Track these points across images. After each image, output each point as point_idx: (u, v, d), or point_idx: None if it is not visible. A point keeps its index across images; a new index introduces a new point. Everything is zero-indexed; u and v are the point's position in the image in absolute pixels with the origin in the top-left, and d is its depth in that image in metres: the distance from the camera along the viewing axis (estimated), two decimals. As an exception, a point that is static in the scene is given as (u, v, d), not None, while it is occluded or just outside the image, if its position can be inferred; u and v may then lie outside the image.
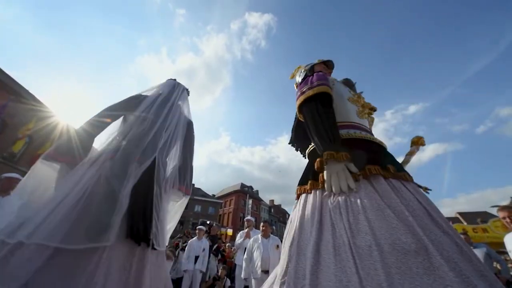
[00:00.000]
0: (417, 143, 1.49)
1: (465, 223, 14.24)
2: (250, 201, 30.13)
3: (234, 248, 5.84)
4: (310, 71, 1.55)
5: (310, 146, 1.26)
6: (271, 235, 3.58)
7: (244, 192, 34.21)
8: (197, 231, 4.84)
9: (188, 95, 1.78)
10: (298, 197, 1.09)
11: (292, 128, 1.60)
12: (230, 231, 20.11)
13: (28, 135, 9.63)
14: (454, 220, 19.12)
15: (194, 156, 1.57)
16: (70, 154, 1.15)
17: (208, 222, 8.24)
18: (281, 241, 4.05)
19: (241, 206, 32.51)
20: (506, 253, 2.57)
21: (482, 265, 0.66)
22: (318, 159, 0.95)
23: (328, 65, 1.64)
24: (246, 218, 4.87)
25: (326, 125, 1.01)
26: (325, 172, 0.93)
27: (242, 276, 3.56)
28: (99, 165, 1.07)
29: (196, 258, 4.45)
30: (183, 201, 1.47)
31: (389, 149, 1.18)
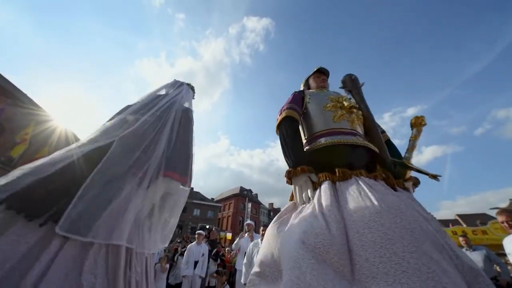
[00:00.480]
0: (417, 124, 1.37)
1: (464, 225, 14.23)
2: (250, 205, 29.96)
3: (232, 252, 5.79)
4: (305, 85, 1.78)
5: None
6: (271, 239, 3.55)
7: (243, 196, 34.05)
8: (196, 235, 4.80)
9: (193, 92, 1.80)
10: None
11: None
12: (229, 235, 19.95)
13: (28, 140, 9.57)
14: (454, 222, 19.06)
15: (193, 144, 1.41)
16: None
17: (207, 226, 8.15)
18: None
19: (240, 209, 32.31)
20: (505, 255, 2.57)
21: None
22: (285, 176, 1.11)
23: (321, 72, 1.74)
24: (247, 222, 4.84)
25: (289, 148, 1.19)
26: (292, 187, 1.09)
27: (242, 281, 3.52)
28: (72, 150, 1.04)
29: (196, 263, 4.40)
30: (179, 192, 1.23)
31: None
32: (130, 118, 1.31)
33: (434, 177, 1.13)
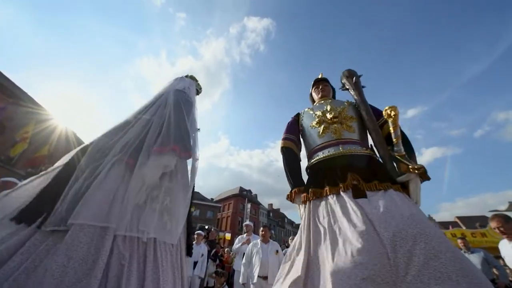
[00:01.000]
0: (388, 116, 1.23)
1: (464, 228, 14.23)
2: (249, 205, 29.94)
3: (232, 253, 5.79)
4: (311, 99, 1.91)
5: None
6: (271, 240, 3.56)
7: (243, 196, 34.01)
8: (195, 235, 4.80)
9: (195, 80, 1.83)
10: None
11: None
12: (228, 236, 19.91)
13: (28, 138, 9.55)
14: (453, 224, 19.07)
15: (195, 121, 1.39)
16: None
17: (206, 227, 8.12)
18: (280, 246, 3.99)
19: (239, 210, 32.27)
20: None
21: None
22: (288, 196, 1.41)
23: (317, 82, 1.84)
24: (245, 223, 4.84)
25: (287, 174, 1.48)
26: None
27: (240, 281, 3.52)
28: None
29: (195, 263, 4.40)
30: (175, 166, 1.14)
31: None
32: (131, 119, 1.34)
33: (415, 170, 1.11)
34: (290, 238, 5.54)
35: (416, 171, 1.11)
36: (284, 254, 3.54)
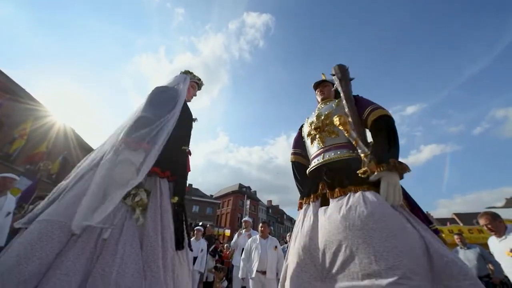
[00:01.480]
0: (338, 124, 1.37)
1: (461, 224, 14.39)
2: (248, 202, 30.08)
3: (231, 248, 5.84)
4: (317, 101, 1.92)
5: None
6: (269, 236, 3.60)
7: (242, 193, 34.19)
8: (195, 231, 4.84)
9: (190, 73, 1.85)
10: None
11: None
12: (228, 232, 20.07)
13: (26, 135, 9.50)
14: (451, 221, 19.28)
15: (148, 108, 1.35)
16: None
17: (200, 223, 8.22)
18: (279, 242, 4.06)
19: (239, 206, 32.48)
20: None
21: None
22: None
23: (317, 85, 1.81)
24: (244, 219, 4.88)
25: (296, 185, 1.65)
26: None
27: (239, 275, 3.57)
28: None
29: (195, 259, 4.45)
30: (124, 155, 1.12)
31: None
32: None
33: (364, 158, 1.13)
34: (288, 234, 5.59)
35: (376, 171, 1.07)
36: (283, 250, 3.62)
